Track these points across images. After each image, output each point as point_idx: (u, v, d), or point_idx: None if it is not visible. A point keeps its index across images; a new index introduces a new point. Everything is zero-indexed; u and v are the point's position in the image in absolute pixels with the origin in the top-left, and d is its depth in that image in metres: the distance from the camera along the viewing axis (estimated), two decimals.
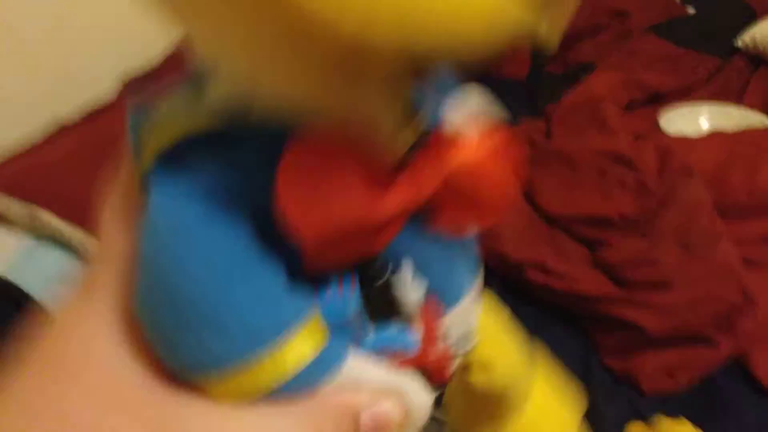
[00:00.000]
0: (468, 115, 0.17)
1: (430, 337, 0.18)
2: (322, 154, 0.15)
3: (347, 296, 0.17)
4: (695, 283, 0.69)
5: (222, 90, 0.15)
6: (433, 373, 0.18)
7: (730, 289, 0.68)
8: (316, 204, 0.15)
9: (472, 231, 0.19)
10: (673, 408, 0.66)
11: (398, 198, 0.15)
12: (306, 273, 0.16)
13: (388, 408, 0.16)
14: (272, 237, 0.16)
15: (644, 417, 0.63)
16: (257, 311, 0.15)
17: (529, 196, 0.86)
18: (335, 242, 0.15)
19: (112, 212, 0.18)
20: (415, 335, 0.17)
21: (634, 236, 0.77)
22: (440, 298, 0.18)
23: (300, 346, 0.16)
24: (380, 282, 0.17)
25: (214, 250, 0.15)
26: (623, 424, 0.63)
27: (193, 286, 0.15)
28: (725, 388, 0.68)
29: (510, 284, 0.79)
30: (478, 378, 0.21)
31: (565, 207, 0.83)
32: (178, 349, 0.16)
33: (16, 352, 0.17)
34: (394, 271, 0.17)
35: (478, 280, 0.21)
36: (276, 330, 0.15)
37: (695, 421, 0.60)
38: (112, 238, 0.18)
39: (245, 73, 0.14)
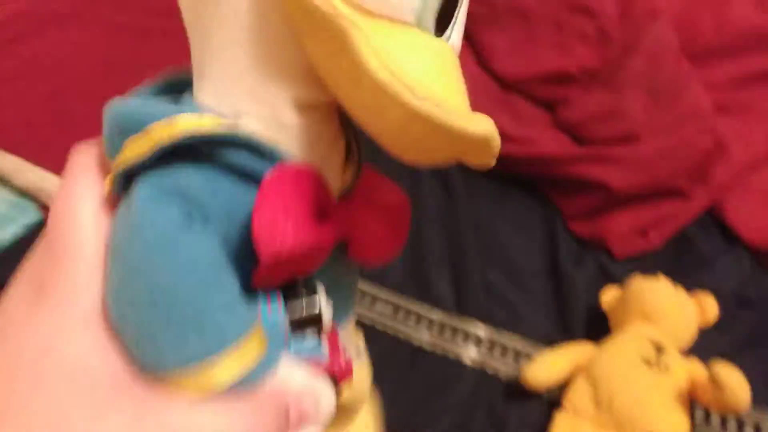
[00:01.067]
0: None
1: (334, 349, 0.21)
2: (291, 189, 0.18)
3: (276, 311, 0.20)
4: (664, 133, 0.63)
5: (212, 98, 0.18)
6: (338, 378, 0.21)
7: (701, 137, 0.63)
8: (278, 228, 0.18)
9: (374, 263, 0.23)
10: (647, 267, 0.62)
11: (335, 233, 0.19)
12: (244, 289, 0.19)
13: (309, 404, 0.20)
14: (232, 251, 0.18)
15: (617, 280, 0.58)
16: (227, 315, 0.18)
17: (481, 59, 0.77)
18: (287, 262, 0.18)
19: (76, 209, 0.19)
20: (325, 347, 0.21)
21: (597, 90, 0.70)
22: (336, 318, 0.22)
23: (252, 349, 0.18)
24: (301, 301, 0.20)
25: (195, 257, 0.17)
26: (596, 291, 0.58)
27: (175, 288, 0.17)
28: (698, 241, 0.63)
29: None
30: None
31: (520, 67, 0.74)
32: (155, 346, 0.17)
33: None
34: (310, 293, 0.21)
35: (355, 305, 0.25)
36: (238, 333, 0.18)
37: (668, 277, 0.56)
38: (77, 237, 0.18)
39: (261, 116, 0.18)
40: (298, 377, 0.20)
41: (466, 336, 0.59)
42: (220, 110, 0.18)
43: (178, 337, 0.17)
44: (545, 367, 0.51)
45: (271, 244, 0.17)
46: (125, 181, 0.18)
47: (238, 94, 0.18)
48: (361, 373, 0.26)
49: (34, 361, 0.17)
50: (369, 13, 0.16)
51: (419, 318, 0.60)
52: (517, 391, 0.53)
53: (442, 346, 0.58)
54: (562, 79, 0.72)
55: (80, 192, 0.19)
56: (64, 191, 0.19)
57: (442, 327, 0.60)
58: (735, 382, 0.43)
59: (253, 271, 0.18)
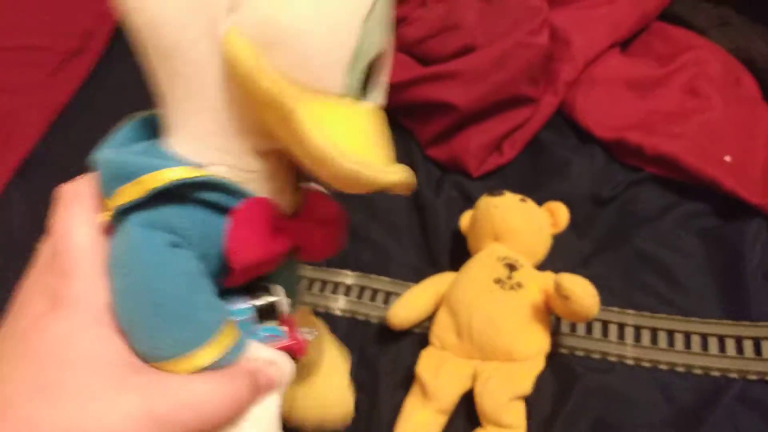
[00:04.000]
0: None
1: (291, 331, 0.28)
2: (254, 216, 0.24)
3: (244, 305, 0.27)
4: (500, 36, 0.60)
5: (184, 150, 0.24)
6: (295, 352, 0.28)
7: (537, 34, 0.60)
8: (248, 246, 0.24)
9: (318, 260, 0.31)
10: (503, 181, 0.61)
11: (289, 244, 0.26)
12: (219, 290, 0.25)
13: (273, 372, 0.26)
14: (208, 265, 0.24)
15: (475, 200, 0.57)
16: (208, 312, 0.24)
17: None
18: (252, 268, 0.25)
19: (76, 234, 0.24)
20: (283, 330, 0.28)
21: (432, 3, 0.66)
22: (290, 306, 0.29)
23: (227, 336, 0.24)
24: (264, 296, 0.27)
25: (181, 270, 0.23)
26: (458, 216, 0.56)
27: (165, 297, 0.23)
28: (552, 144, 0.62)
29: None
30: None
31: None
32: (154, 339, 0.23)
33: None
34: (269, 289, 0.27)
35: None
36: (217, 325, 0.24)
37: (527, 188, 0.54)
38: (79, 256, 0.24)
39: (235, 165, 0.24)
40: (263, 353, 0.26)
41: (335, 287, 0.56)
42: (194, 160, 0.24)
43: (172, 331, 0.23)
44: (407, 305, 0.50)
45: (242, 256, 0.24)
46: (116, 217, 0.24)
47: (209, 148, 0.24)
48: (315, 344, 0.35)
49: (57, 353, 0.22)
50: (308, 90, 0.21)
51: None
52: (390, 333, 0.52)
53: (311, 301, 0.56)
54: None
55: (77, 219, 0.24)
56: (63, 219, 0.24)
57: (311, 282, 0.57)
58: (579, 291, 0.42)
59: (225, 277, 0.25)
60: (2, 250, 0.64)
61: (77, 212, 0.24)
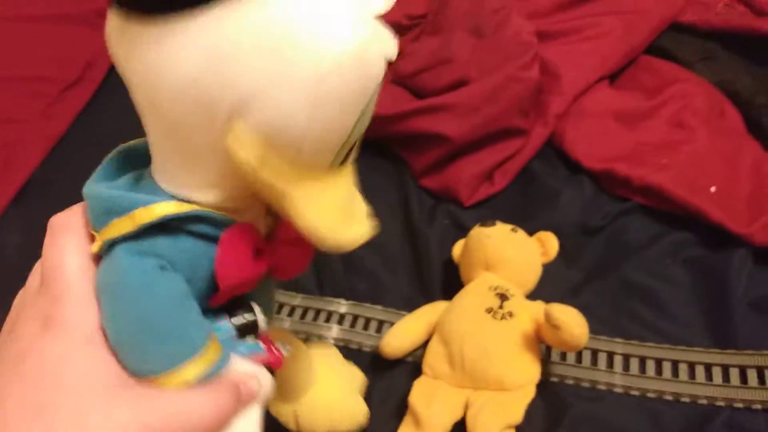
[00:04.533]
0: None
1: (268, 346, 0.30)
2: (237, 242, 0.26)
3: (226, 323, 0.28)
4: (491, 70, 0.61)
5: (172, 187, 0.25)
6: (273, 366, 0.30)
7: (528, 68, 0.62)
8: (235, 268, 0.27)
9: (291, 278, 0.33)
10: (495, 210, 0.62)
11: (267, 264, 0.29)
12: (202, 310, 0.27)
13: (253, 384, 0.28)
14: (193, 288, 0.26)
15: (469, 230, 0.58)
16: (194, 330, 0.26)
17: None
18: (235, 288, 0.27)
19: (67, 261, 0.25)
20: (261, 345, 0.30)
21: (426, 38, 0.68)
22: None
23: (212, 352, 0.26)
24: (242, 314, 0.29)
25: (168, 292, 0.25)
26: (450, 245, 0.57)
27: (153, 316, 0.25)
28: (542, 175, 0.63)
29: None
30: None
31: None
32: (144, 357, 0.25)
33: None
34: (248, 307, 0.29)
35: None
36: (202, 343, 0.26)
37: (517, 217, 0.56)
38: (70, 282, 0.25)
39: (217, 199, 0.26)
40: (244, 367, 0.28)
41: (329, 316, 0.57)
42: (182, 193, 0.25)
43: (161, 347, 0.25)
44: (398, 333, 0.50)
45: (230, 278, 0.26)
46: (106, 247, 0.25)
47: (198, 190, 0.25)
48: (298, 360, 0.38)
49: (52, 373, 0.23)
50: (299, 169, 0.24)
51: (281, 306, 0.58)
52: (383, 362, 0.52)
53: (304, 330, 0.56)
54: (394, 30, 0.69)
55: (68, 248, 0.26)
56: (55, 247, 0.26)
57: (304, 311, 0.58)
58: (569, 320, 0.43)
59: (209, 298, 0.27)
60: None
61: (68, 241, 0.26)
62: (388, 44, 0.23)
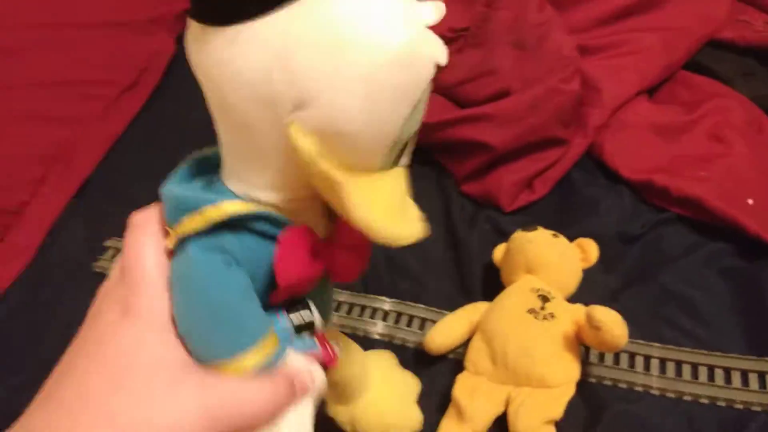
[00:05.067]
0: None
1: (323, 345, 0.32)
2: (297, 242, 0.28)
3: (284, 319, 0.30)
4: (533, 82, 0.64)
5: (239, 189, 0.28)
6: (327, 365, 0.32)
7: (569, 81, 0.64)
8: (293, 266, 0.28)
9: (348, 281, 0.34)
10: (535, 217, 0.64)
11: (324, 266, 0.30)
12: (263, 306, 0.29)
13: (307, 379, 0.30)
14: (254, 284, 0.28)
15: (509, 235, 0.60)
16: (255, 322, 0.28)
17: None
18: (294, 287, 0.29)
19: (145, 255, 0.28)
20: (317, 344, 0.31)
21: (469, 50, 0.70)
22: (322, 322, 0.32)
23: (270, 345, 0.28)
24: (300, 312, 0.31)
25: (234, 285, 0.27)
26: (491, 249, 0.60)
27: (219, 307, 0.27)
28: (581, 184, 0.66)
29: None
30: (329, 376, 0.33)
31: None
32: (206, 345, 0.27)
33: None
34: (306, 306, 0.31)
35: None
36: (262, 334, 0.28)
37: (557, 224, 0.58)
38: (148, 274, 0.28)
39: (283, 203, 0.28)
40: (299, 362, 0.30)
41: (374, 312, 0.60)
42: (248, 194, 0.28)
43: (224, 336, 0.27)
44: (443, 331, 0.53)
45: (287, 277, 0.28)
46: (179, 242, 0.28)
47: (260, 189, 0.27)
48: (353, 361, 0.40)
49: (128, 355, 0.26)
50: (353, 168, 0.25)
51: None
52: (426, 358, 0.54)
53: (350, 324, 0.59)
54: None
55: (146, 243, 0.28)
56: (134, 242, 0.28)
57: (351, 307, 0.60)
58: (610, 322, 0.45)
59: (269, 294, 0.29)
60: (59, 267, 0.68)
61: (146, 237, 0.28)
62: (437, 49, 0.25)
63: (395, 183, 0.27)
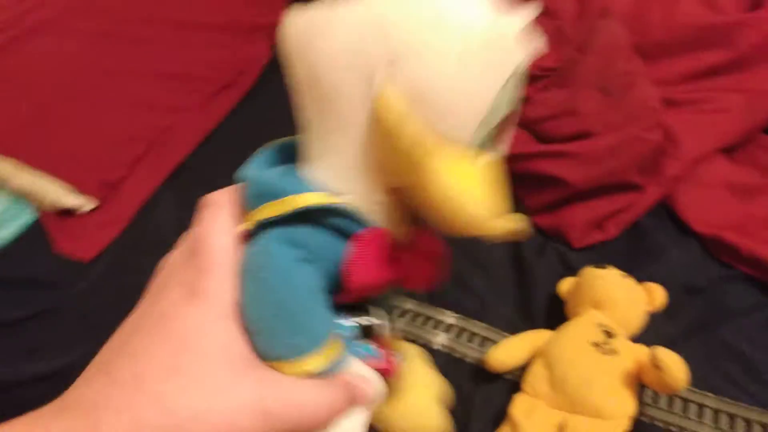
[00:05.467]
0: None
1: (386, 353, 0.30)
2: (373, 244, 0.27)
3: (348, 323, 0.29)
4: (616, 129, 0.66)
5: (320, 177, 0.26)
6: (386, 374, 0.30)
7: (651, 132, 0.66)
8: (365, 268, 0.26)
9: (417, 290, 0.32)
10: (602, 256, 0.66)
11: (399, 273, 0.28)
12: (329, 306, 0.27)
13: (367, 388, 0.28)
14: (325, 282, 0.27)
15: (576, 270, 0.62)
16: (321, 324, 0.26)
17: None
18: (362, 289, 0.27)
19: (217, 238, 0.27)
20: (379, 351, 0.30)
21: (554, 89, 0.73)
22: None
23: (334, 349, 0.27)
24: (365, 317, 0.29)
25: (304, 284, 0.26)
26: (556, 280, 0.62)
27: (289, 303, 0.25)
28: (652, 231, 0.67)
29: None
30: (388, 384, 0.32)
31: None
32: (269, 341, 0.26)
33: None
34: (372, 312, 0.30)
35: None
36: (327, 337, 0.26)
37: (624, 267, 0.60)
38: (218, 258, 0.26)
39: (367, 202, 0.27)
40: (360, 370, 0.29)
41: (437, 324, 0.63)
42: (329, 186, 0.26)
43: (289, 335, 0.26)
44: (506, 351, 0.55)
45: (358, 279, 0.27)
46: (254, 229, 0.27)
47: (345, 179, 0.26)
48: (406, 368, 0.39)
49: (189, 339, 0.25)
50: (441, 138, 0.24)
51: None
52: (482, 374, 0.57)
53: (413, 332, 0.62)
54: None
55: (219, 225, 0.27)
56: (206, 222, 0.27)
57: (415, 315, 0.63)
58: (673, 364, 0.47)
59: (337, 295, 0.28)
60: (151, 246, 0.73)
61: (220, 219, 0.27)
62: (527, 40, 0.25)
63: (485, 168, 0.25)
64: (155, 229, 0.74)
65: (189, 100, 0.87)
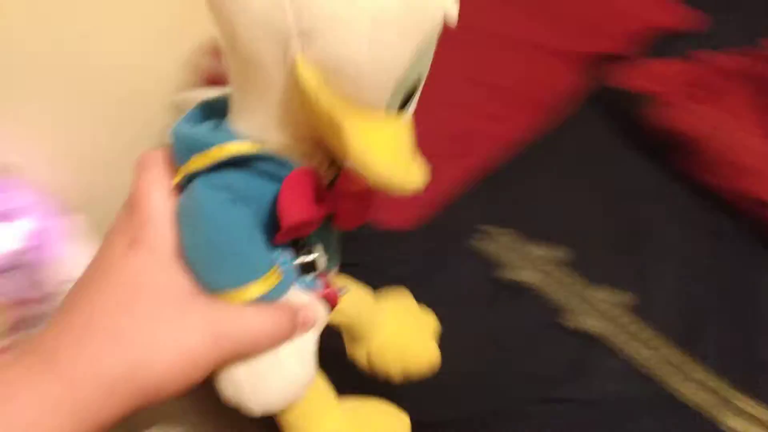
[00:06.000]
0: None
1: (326, 284, 0.33)
2: (300, 184, 0.28)
3: (288, 259, 0.31)
4: None
5: (246, 129, 0.28)
6: (328, 302, 0.33)
7: None
8: (295, 207, 0.28)
9: (350, 228, 0.33)
10: None
11: (326, 210, 0.30)
12: (268, 245, 0.29)
13: (308, 313, 0.31)
14: (260, 222, 0.29)
15: None
16: (259, 255, 0.29)
17: None
18: (297, 228, 0.29)
19: (153, 192, 0.29)
20: (320, 282, 0.32)
21: None
22: (326, 264, 0.33)
23: (272, 277, 0.29)
24: (303, 253, 0.31)
25: (239, 221, 0.28)
26: None
27: (224, 241, 0.27)
28: None
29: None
30: (336, 314, 0.35)
31: None
32: (211, 276, 0.28)
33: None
34: (309, 248, 0.32)
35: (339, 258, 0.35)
36: (266, 267, 0.29)
37: None
38: (155, 210, 0.28)
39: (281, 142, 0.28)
40: (302, 298, 0.31)
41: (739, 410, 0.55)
42: (253, 136, 0.28)
43: (229, 268, 0.28)
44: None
45: (290, 217, 0.28)
46: (186, 180, 0.29)
47: (269, 130, 0.28)
48: (360, 304, 0.40)
49: (134, 282, 0.27)
50: (356, 105, 0.25)
51: (686, 376, 0.58)
52: None
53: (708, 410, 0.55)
54: None
55: (153, 181, 0.29)
56: (142, 180, 0.29)
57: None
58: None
59: (274, 234, 0.29)
60: (441, 232, 0.75)
61: (154, 175, 0.29)
62: (446, 1, 0.25)
63: (398, 130, 0.27)
64: (450, 225, 0.76)
65: (499, 111, 0.89)
